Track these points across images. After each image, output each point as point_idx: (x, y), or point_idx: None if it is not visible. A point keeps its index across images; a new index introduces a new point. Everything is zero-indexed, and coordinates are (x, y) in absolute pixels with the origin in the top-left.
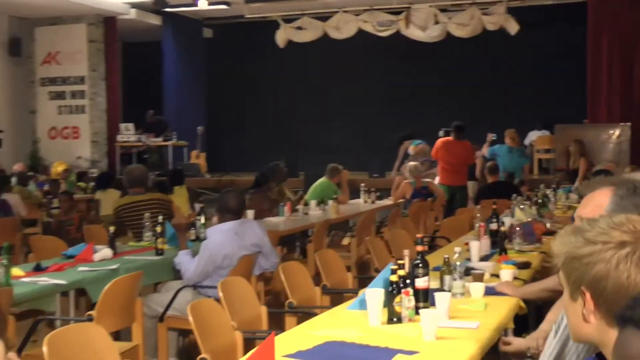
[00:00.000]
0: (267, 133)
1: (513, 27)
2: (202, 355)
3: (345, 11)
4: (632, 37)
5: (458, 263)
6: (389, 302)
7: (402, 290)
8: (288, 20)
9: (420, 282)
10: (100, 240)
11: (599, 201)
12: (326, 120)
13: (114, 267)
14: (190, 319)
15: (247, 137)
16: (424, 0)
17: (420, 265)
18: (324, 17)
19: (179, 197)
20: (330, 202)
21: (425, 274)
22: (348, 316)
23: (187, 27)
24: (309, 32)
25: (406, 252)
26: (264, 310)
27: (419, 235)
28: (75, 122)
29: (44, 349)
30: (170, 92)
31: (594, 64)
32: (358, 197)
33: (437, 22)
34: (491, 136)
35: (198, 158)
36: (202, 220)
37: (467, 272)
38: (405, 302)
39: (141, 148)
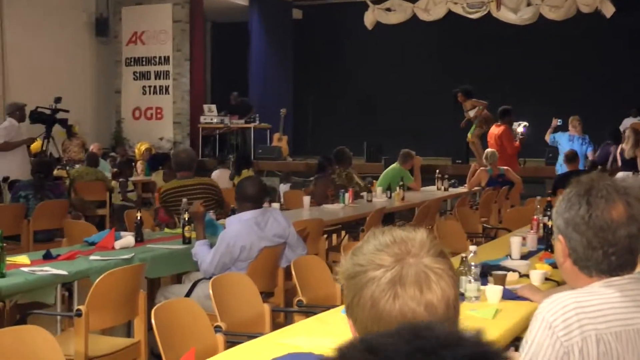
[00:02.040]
0: (352, 117)
1: (608, 10)
2: None
3: None
4: None
5: (473, 263)
6: None
7: None
8: (377, 1)
9: None
10: (147, 226)
11: None
12: (412, 105)
13: (127, 256)
14: (153, 322)
15: (332, 121)
16: None
17: None
18: None
19: None
20: (397, 188)
21: None
22: (339, 321)
23: (275, 7)
24: (397, 14)
25: None
26: (267, 308)
27: None
28: (158, 103)
29: None
30: (255, 73)
31: None
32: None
33: (529, 4)
34: (556, 121)
35: (280, 141)
36: None
37: (491, 271)
38: None
39: (223, 130)
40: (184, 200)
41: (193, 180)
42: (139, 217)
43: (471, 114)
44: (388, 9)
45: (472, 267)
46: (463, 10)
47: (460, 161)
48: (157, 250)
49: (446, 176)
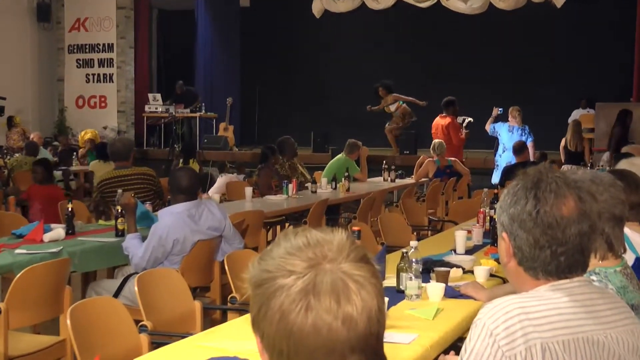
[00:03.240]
0: (300, 106)
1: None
2: None
3: None
4: None
5: (414, 259)
6: None
7: None
8: None
9: None
10: (81, 217)
11: None
12: (361, 95)
13: (55, 250)
14: (68, 322)
15: (280, 111)
16: None
17: None
18: None
19: None
20: (343, 179)
21: None
22: None
23: None
24: (345, 2)
25: None
26: (197, 306)
27: (355, 228)
28: (102, 91)
29: None
30: (202, 62)
31: None
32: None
33: None
34: (496, 111)
35: (226, 131)
36: None
37: (434, 267)
38: None
39: (168, 119)
40: (119, 191)
41: (130, 170)
42: (70, 209)
43: (392, 108)
44: None
45: (413, 263)
46: None
47: (407, 152)
48: (88, 243)
49: (393, 167)
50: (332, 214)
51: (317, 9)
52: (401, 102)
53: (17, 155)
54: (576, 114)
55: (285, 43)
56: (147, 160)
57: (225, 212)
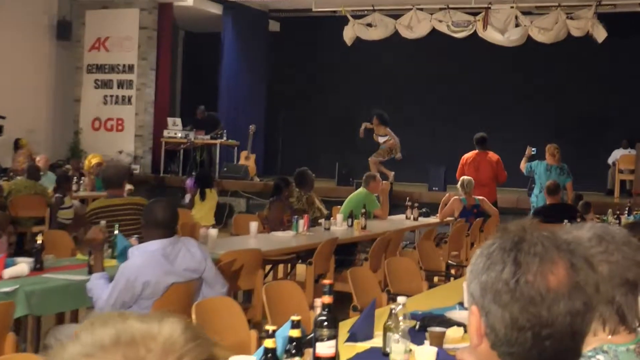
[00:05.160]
0: (326, 136)
1: (600, 34)
2: None
3: (419, 9)
4: None
5: (401, 317)
6: None
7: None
8: (358, 16)
9: (324, 348)
10: (60, 250)
11: None
12: (390, 126)
13: (8, 289)
14: None
15: (305, 140)
16: (505, 0)
17: (326, 323)
18: (395, 15)
19: (206, 204)
20: (360, 216)
21: (332, 337)
22: None
23: (250, 18)
24: (378, 30)
25: (317, 301)
26: None
27: (325, 281)
28: (120, 114)
29: None
30: (225, 87)
31: None
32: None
33: (517, 25)
34: (530, 150)
35: (247, 159)
36: None
37: (429, 326)
38: None
39: (186, 145)
40: (102, 222)
41: (122, 200)
42: (39, 242)
43: (380, 140)
44: (369, 25)
45: (401, 322)
46: (448, 28)
47: (436, 188)
48: (52, 281)
49: (416, 204)
50: (347, 253)
51: (348, 36)
52: (389, 138)
53: (18, 178)
54: (617, 154)
55: (315, 69)
56: (164, 188)
57: (206, 252)
